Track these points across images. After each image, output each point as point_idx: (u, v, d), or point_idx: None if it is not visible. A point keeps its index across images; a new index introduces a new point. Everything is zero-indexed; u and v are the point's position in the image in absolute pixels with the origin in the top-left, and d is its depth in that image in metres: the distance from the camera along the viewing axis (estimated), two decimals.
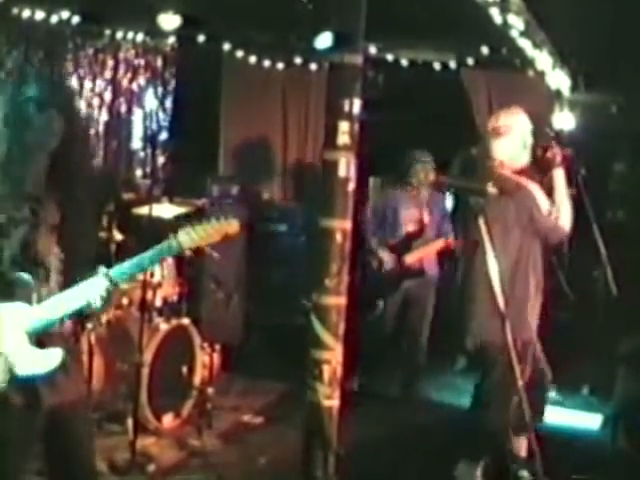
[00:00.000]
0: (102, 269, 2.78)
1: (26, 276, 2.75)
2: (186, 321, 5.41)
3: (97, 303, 2.73)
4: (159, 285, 5.34)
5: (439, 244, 6.11)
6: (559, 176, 4.30)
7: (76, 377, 2.96)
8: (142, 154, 7.69)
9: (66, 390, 2.86)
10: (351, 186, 3.82)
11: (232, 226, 2.80)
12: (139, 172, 7.62)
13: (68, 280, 2.80)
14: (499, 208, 4.21)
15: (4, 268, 2.74)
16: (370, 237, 6.16)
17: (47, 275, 2.79)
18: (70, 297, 2.75)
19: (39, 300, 2.76)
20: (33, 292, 2.76)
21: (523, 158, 4.42)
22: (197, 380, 5.39)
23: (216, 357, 5.54)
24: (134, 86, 7.52)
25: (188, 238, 2.76)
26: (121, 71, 7.38)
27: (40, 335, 2.76)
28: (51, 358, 2.77)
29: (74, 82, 6.97)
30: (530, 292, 4.36)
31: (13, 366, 2.72)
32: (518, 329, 4.22)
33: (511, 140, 4.38)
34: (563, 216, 4.32)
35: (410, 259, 6.08)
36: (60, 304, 2.75)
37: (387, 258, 6.06)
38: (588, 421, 5.78)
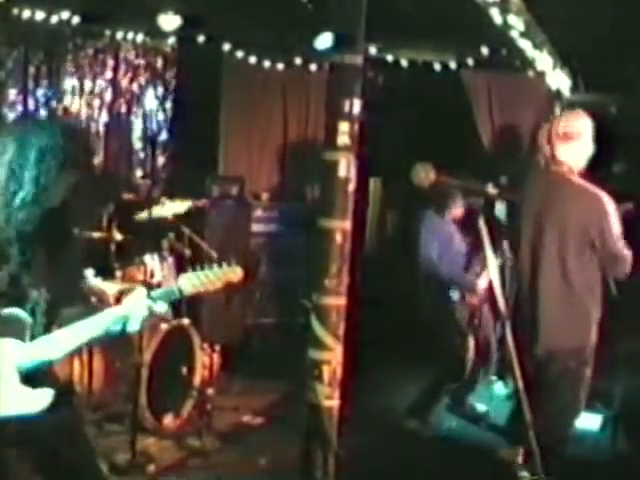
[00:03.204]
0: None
1: (21, 312, 2.69)
2: (186, 321, 5.41)
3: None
4: (159, 285, 5.34)
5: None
6: None
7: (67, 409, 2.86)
8: (142, 154, 7.68)
9: (59, 421, 2.78)
10: (351, 186, 3.83)
11: (235, 273, 2.80)
12: (139, 172, 7.61)
13: (51, 320, 2.75)
14: (560, 213, 4.22)
15: None
16: (451, 271, 5.69)
17: (33, 313, 2.72)
18: (67, 337, 2.69)
19: (32, 337, 2.69)
20: (27, 329, 2.69)
21: (582, 161, 4.36)
22: (197, 380, 5.39)
23: (216, 357, 5.54)
24: (134, 86, 7.52)
25: (189, 284, 2.74)
26: (121, 71, 7.37)
27: (30, 373, 2.67)
28: (41, 399, 2.70)
29: (74, 82, 6.98)
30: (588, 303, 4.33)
31: (3, 404, 2.63)
32: (586, 337, 4.31)
33: (579, 145, 4.33)
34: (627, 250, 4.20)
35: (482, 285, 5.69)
36: (56, 343, 2.68)
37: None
38: (588, 422, 5.77)
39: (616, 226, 4.19)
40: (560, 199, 4.27)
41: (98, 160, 7.07)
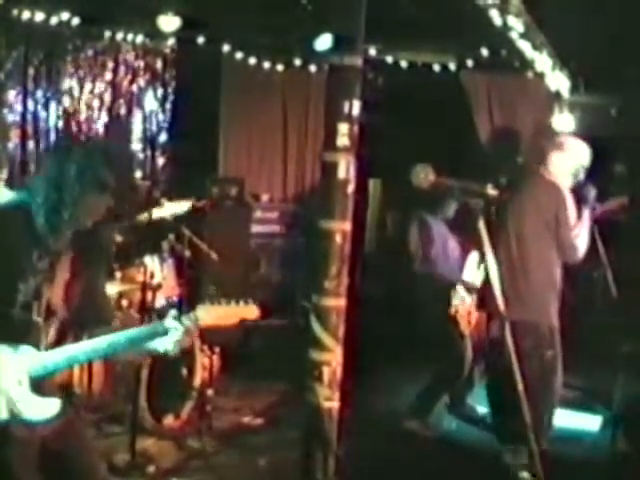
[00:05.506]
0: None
1: (38, 321, 2.72)
2: None
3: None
4: (159, 287, 5.34)
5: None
6: (585, 213, 4.63)
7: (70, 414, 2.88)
8: (142, 155, 7.68)
9: (60, 423, 2.80)
10: (350, 187, 3.83)
11: (251, 312, 2.84)
12: (139, 173, 7.61)
13: (63, 339, 2.78)
14: (527, 203, 4.57)
15: (15, 311, 2.68)
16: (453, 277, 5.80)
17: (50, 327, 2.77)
18: (77, 349, 2.74)
19: (47, 347, 2.74)
20: (43, 338, 2.73)
21: (565, 182, 4.65)
22: (197, 382, 5.39)
23: (216, 359, 5.53)
24: (134, 88, 7.52)
25: (206, 315, 2.76)
26: (121, 73, 7.37)
27: (41, 381, 2.71)
28: (50, 407, 2.74)
29: (74, 84, 6.98)
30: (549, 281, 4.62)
31: (14, 407, 2.67)
32: (542, 314, 4.57)
33: (565, 158, 4.66)
34: (581, 239, 4.56)
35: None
36: (66, 354, 2.73)
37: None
38: (588, 422, 5.78)
39: (571, 215, 4.55)
40: (521, 187, 4.67)
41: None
